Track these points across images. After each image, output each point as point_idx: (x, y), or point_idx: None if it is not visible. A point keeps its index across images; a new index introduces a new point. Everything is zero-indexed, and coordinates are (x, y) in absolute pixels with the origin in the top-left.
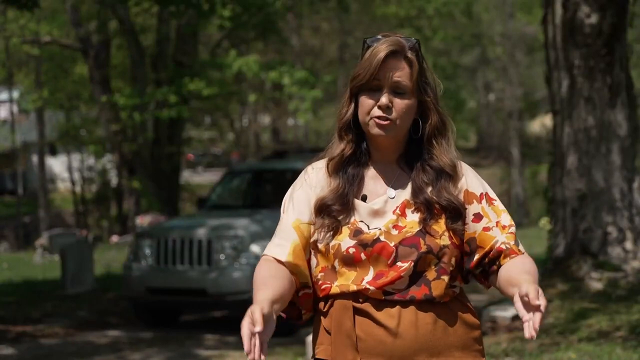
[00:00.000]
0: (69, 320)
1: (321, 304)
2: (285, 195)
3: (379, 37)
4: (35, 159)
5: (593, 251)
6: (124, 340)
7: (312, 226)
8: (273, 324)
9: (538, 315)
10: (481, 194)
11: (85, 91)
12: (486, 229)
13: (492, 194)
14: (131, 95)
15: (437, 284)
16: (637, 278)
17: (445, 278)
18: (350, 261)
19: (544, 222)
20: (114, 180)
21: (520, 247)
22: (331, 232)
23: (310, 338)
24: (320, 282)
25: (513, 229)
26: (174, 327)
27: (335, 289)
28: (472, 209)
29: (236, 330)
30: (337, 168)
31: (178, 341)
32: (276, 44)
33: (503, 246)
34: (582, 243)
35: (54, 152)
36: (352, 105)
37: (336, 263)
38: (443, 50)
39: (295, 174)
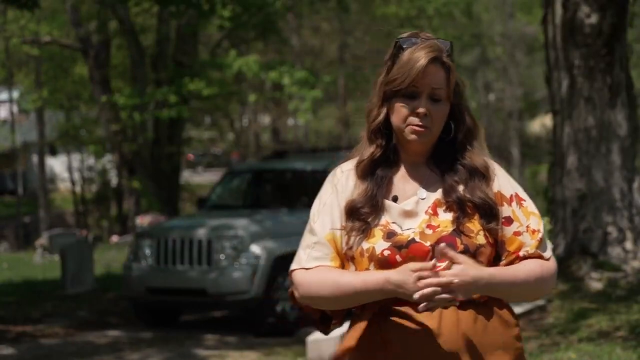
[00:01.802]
0: (69, 320)
1: (357, 308)
2: (314, 202)
3: (413, 38)
4: (35, 159)
5: (593, 251)
6: (124, 340)
7: (343, 231)
8: None
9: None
10: (511, 195)
11: (85, 91)
12: (517, 233)
13: (522, 194)
14: (131, 95)
15: None
16: (637, 278)
17: None
18: (385, 264)
19: (544, 222)
20: (114, 180)
21: (546, 253)
22: (361, 235)
23: (310, 338)
24: None
25: (540, 234)
26: (174, 327)
27: None
28: (503, 211)
29: (236, 330)
30: (367, 171)
31: (178, 341)
32: (276, 44)
33: (523, 254)
34: (582, 243)
35: (54, 152)
36: (384, 109)
37: (371, 267)
38: None
39: (295, 173)
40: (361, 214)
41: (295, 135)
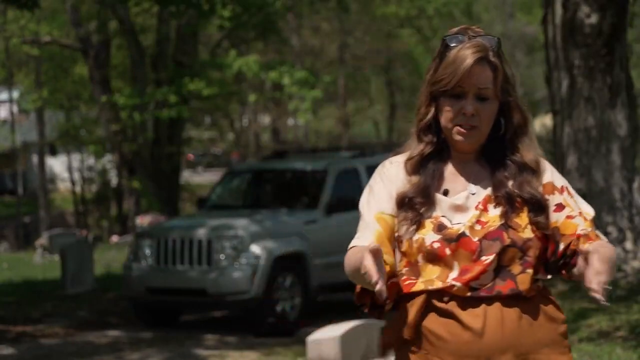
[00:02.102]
0: (69, 320)
1: (404, 299)
2: (364, 192)
3: (459, 35)
4: (35, 159)
5: None
6: (124, 340)
7: (395, 218)
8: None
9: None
10: (562, 186)
11: (85, 91)
12: (569, 217)
13: (572, 190)
14: (131, 95)
15: (522, 277)
16: (637, 278)
17: (530, 271)
18: (434, 256)
19: None
20: (114, 180)
21: (601, 236)
22: (414, 226)
23: (310, 338)
24: (404, 277)
25: (592, 218)
26: (174, 327)
27: (419, 285)
28: (554, 199)
29: (236, 330)
30: (417, 167)
31: (178, 341)
32: (276, 44)
33: (582, 232)
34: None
35: (54, 152)
36: (432, 108)
37: (419, 258)
38: None
39: (295, 174)
40: (414, 204)
41: (295, 135)
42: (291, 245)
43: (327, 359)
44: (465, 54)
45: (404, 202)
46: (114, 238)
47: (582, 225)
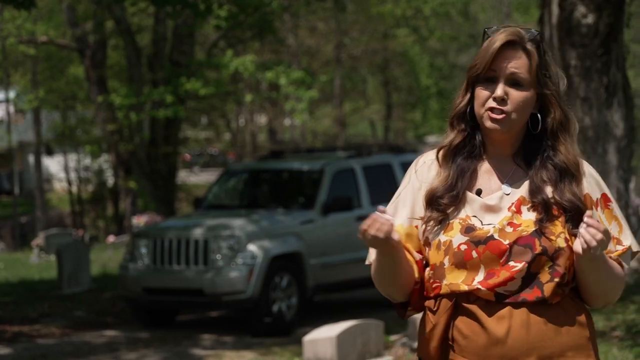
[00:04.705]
0: (65, 320)
1: (431, 302)
2: (397, 191)
3: (500, 26)
4: (31, 159)
5: None
6: (121, 340)
7: (416, 227)
8: (396, 234)
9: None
10: (597, 199)
11: (81, 91)
12: None
13: (609, 194)
14: (127, 95)
15: (549, 286)
16: (633, 278)
17: (558, 280)
18: (460, 259)
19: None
20: (110, 180)
21: (625, 262)
22: (439, 226)
23: (307, 338)
24: (431, 280)
25: (620, 246)
26: (171, 327)
27: (445, 288)
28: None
29: (233, 330)
30: (447, 157)
31: (175, 341)
32: (273, 44)
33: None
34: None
35: (50, 152)
36: (468, 95)
37: (446, 260)
38: (440, 51)
39: (291, 174)
40: (440, 205)
41: (291, 135)
42: (288, 245)
43: (323, 359)
44: (497, 38)
45: (431, 201)
46: (111, 238)
47: (611, 250)
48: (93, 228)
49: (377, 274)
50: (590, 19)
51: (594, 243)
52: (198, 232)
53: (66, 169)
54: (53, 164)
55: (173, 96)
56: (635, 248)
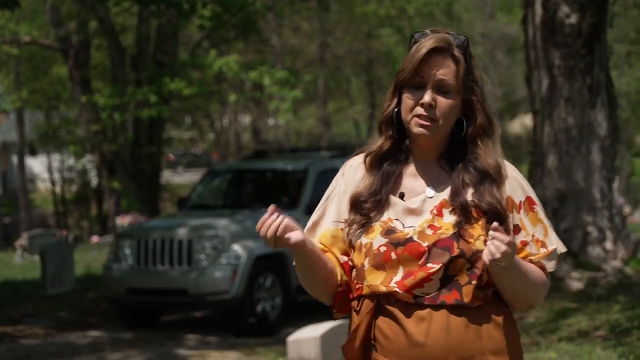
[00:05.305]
0: (49, 321)
1: (355, 303)
2: (325, 194)
3: (428, 32)
4: (15, 159)
5: (573, 251)
6: (105, 341)
7: (344, 228)
8: (298, 233)
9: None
10: (520, 202)
11: (65, 91)
12: (524, 242)
13: (534, 196)
14: (111, 95)
15: (468, 288)
16: (617, 278)
17: (476, 282)
18: (379, 260)
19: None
20: (94, 180)
21: (548, 265)
22: (361, 229)
23: (291, 338)
24: (354, 281)
25: (544, 249)
26: (155, 327)
27: (365, 289)
28: (513, 218)
29: (217, 330)
30: (375, 163)
31: (159, 341)
32: (256, 43)
33: (529, 260)
34: (562, 243)
35: (33, 153)
36: (395, 100)
37: (366, 262)
38: None
39: (275, 173)
40: (363, 209)
41: (275, 135)
42: None
43: (307, 359)
44: (424, 44)
45: (355, 205)
46: (94, 238)
47: (534, 253)
48: (77, 228)
49: (299, 276)
50: (573, 19)
51: (497, 255)
52: (182, 232)
53: (50, 169)
54: (36, 164)
55: (157, 96)
56: (561, 249)
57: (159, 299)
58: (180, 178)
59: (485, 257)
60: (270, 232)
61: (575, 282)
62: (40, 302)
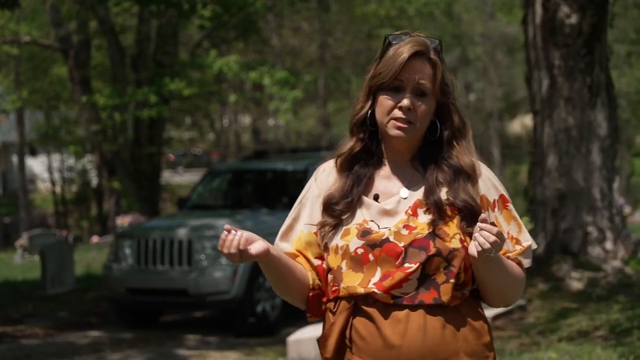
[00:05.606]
0: (49, 321)
1: (331, 304)
2: (298, 198)
3: (402, 35)
4: (15, 159)
5: (573, 251)
6: (105, 341)
7: (318, 232)
8: (260, 243)
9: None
10: (494, 200)
11: (65, 91)
12: None
13: (507, 195)
14: (111, 95)
15: (446, 287)
16: (617, 278)
17: (454, 281)
18: (357, 262)
19: (524, 222)
20: (94, 180)
21: (525, 262)
22: (333, 231)
23: (291, 338)
24: (331, 284)
25: (519, 245)
26: (155, 327)
27: (343, 291)
28: (489, 217)
29: (217, 330)
30: (346, 165)
31: (159, 341)
32: (256, 44)
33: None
34: (562, 243)
35: (33, 153)
36: (369, 103)
37: (343, 264)
38: None
39: (275, 174)
40: (335, 211)
41: (275, 135)
42: None
43: (307, 359)
44: (404, 49)
45: (327, 207)
46: (94, 238)
47: (510, 250)
48: (77, 228)
49: (270, 283)
50: (573, 19)
51: (487, 245)
52: (182, 233)
53: (50, 169)
54: (37, 165)
55: (157, 96)
56: (534, 246)
57: (159, 299)
58: (180, 178)
59: (473, 249)
60: (233, 248)
61: (575, 282)
62: (40, 302)
